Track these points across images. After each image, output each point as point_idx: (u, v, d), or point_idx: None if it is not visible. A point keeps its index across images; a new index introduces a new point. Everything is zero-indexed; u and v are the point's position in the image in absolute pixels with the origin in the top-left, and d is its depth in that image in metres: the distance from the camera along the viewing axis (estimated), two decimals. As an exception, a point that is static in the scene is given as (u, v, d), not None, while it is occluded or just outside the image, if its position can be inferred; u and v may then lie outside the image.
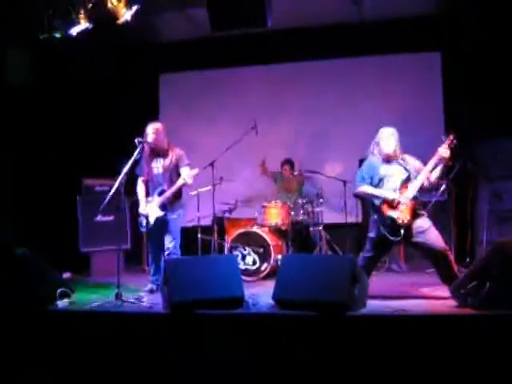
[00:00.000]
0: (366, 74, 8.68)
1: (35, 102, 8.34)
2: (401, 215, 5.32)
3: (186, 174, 6.04)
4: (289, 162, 8.27)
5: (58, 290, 5.36)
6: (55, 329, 4.88)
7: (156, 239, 6.25)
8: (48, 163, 8.51)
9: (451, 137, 5.47)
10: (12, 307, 4.94)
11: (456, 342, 4.16)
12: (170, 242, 6.10)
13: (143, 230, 6.26)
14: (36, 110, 8.40)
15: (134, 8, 6.07)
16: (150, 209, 6.11)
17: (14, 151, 8.02)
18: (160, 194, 6.09)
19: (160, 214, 6.08)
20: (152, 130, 6.12)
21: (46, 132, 8.56)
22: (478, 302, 4.51)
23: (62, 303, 5.33)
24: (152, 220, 6.10)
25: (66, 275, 7.43)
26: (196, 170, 6.13)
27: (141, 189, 6.31)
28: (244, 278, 6.08)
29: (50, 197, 8.32)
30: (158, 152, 6.18)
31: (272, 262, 7.10)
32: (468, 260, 7.29)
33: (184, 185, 6.15)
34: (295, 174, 8.20)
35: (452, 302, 4.79)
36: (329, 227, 8.06)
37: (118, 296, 5.43)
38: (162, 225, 6.13)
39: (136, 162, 5.92)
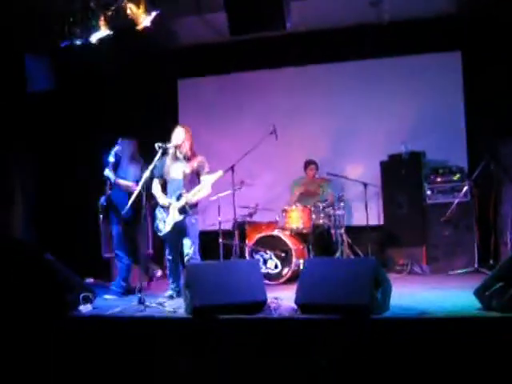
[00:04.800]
0: (386, 75, 8.62)
1: (56, 109, 8.42)
2: None
3: (208, 180, 6.05)
4: (314, 163, 8.25)
5: (81, 295, 5.40)
6: (78, 334, 4.92)
7: (174, 245, 6.25)
8: (70, 169, 8.59)
9: None
10: (36, 312, 4.98)
11: (480, 345, 4.11)
12: (189, 248, 6.08)
13: (160, 234, 6.26)
14: (57, 116, 8.48)
15: (153, 14, 6.09)
16: (170, 209, 6.11)
17: (37, 157, 8.11)
18: (178, 198, 6.08)
19: (179, 218, 6.07)
20: (180, 133, 6.16)
21: (68, 138, 8.64)
22: (502, 304, 4.46)
23: (85, 308, 5.36)
24: (170, 224, 6.10)
25: (89, 281, 7.47)
26: (220, 172, 6.13)
27: (157, 188, 6.28)
28: (266, 282, 6.07)
29: (72, 203, 8.38)
30: (180, 156, 6.18)
31: (294, 266, 7.08)
32: (492, 262, 7.21)
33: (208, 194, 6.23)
34: (317, 177, 8.20)
35: (476, 305, 4.73)
36: (350, 230, 8.03)
37: (140, 301, 5.46)
38: (180, 230, 6.12)
39: (155, 167, 5.94)
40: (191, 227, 6.13)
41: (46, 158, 8.36)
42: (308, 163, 8.27)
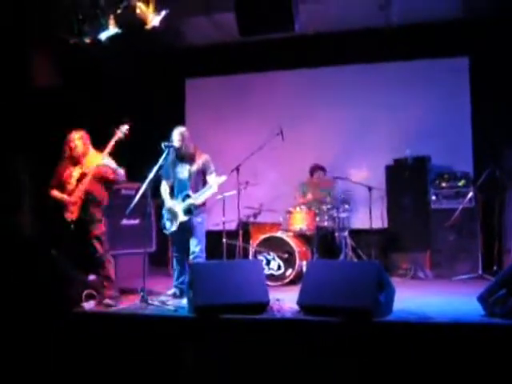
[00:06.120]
0: (393, 79, 8.62)
1: (61, 108, 8.43)
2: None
3: (215, 182, 6.05)
4: (322, 169, 8.21)
5: (84, 292, 5.42)
6: (81, 330, 4.93)
7: (180, 243, 6.27)
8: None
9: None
10: (39, 308, 4.99)
11: (483, 351, 4.11)
12: (195, 246, 6.11)
13: (166, 232, 6.29)
14: (62, 114, 8.49)
15: (163, 13, 6.09)
16: (176, 209, 6.12)
17: (41, 154, 8.11)
18: (184, 198, 6.09)
19: (184, 218, 6.09)
20: (178, 135, 6.13)
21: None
22: (505, 310, 4.45)
23: (88, 305, 5.37)
24: (176, 224, 6.13)
25: (92, 278, 7.46)
26: (224, 177, 6.12)
27: (165, 189, 6.31)
28: (268, 283, 6.07)
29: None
30: (184, 156, 6.19)
31: (297, 267, 7.08)
32: (495, 268, 7.20)
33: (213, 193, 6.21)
34: (325, 179, 8.18)
35: (479, 311, 4.72)
36: (354, 233, 8.03)
37: (143, 299, 5.47)
38: (186, 229, 6.14)
39: (162, 166, 5.95)
40: (197, 226, 6.16)
41: (49, 155, 8.37)
42: (316, 168, 8.23)
